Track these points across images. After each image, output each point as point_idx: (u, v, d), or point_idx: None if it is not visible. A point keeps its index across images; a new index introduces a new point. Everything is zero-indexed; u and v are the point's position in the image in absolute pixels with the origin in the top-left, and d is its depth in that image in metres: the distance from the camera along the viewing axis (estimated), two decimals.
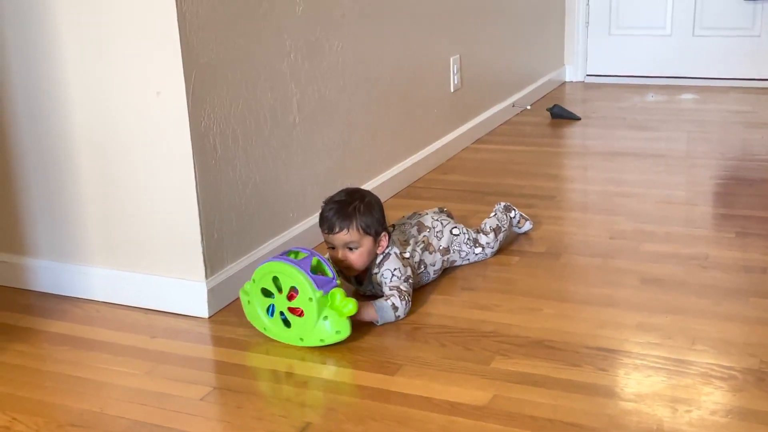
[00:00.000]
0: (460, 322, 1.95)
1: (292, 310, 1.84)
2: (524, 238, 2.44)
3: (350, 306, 1.83)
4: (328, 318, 1.81)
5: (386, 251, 2.01)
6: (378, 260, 2.01)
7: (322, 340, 1.83)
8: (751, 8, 4.34)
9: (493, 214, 2.35)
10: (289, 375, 1.77)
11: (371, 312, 1.92)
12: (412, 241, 2.11)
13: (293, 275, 1.81)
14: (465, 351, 1.81)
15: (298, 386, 1.73)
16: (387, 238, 2.01)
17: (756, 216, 2.55)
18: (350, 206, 1.97)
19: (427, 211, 2.31)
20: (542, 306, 2.01)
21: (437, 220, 2.20)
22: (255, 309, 1.89)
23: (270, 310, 1.88)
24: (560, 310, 1.99)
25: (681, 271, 2.17)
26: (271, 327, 1.88)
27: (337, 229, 1.95)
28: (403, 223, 2.20)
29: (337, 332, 1.83)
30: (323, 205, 2.01)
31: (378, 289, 2.01)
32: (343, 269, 2.00)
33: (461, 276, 2.20)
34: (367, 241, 1.97)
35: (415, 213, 2.29)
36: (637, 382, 1.66)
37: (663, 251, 2.30)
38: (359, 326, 1.89)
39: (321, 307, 1.81)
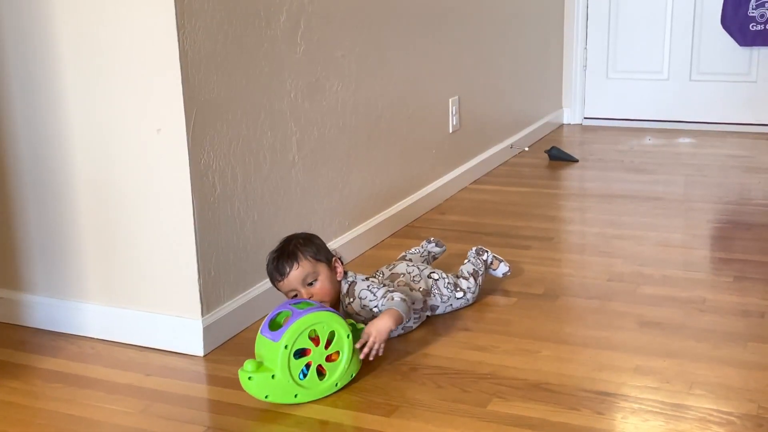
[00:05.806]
0: (456, 364, 1.94)
1: (328, 357, 1.79)
2: (521, 279, 2.43)
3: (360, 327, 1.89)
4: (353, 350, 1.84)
5: (349, 279, 2.03)
6: (344, 290, 2.02)
7: (351, 375, 1.84)
8: (748, 54, 4.37)
9: (467, 260, 2.31)
10: (285, 415, 1.75)
11: (388, 315, 1.89)
12: (388, 283, 2.09)
13: (330, 319, 1.78)
14: (462, 393, 1.80)
15: (294, 427, 1.71)
16: (340, 263, 2.03)
17: (754, 260, 2.55)
18: (289, 245, 1.97)
19: (405, 255, 2.36)
20: (540, 348, 2.00)
21: (413, 265, 2.20)
22: (282, 383, 1.73)
23: (303, 372, 1.77)
24: (558, 353, 1.98)
25: (679, 314, 2.16)
26: (305, 389, 1.77)
27: (288, 269, 1.93)
28: (381, 275, 2.18)
29: (359, 360, 1.86)
30: (267, 263, 1.99)
31: (358, 318, 2.00)
32: None
33: (458, 317, 2.19)
34: (323, 268, 1.97)
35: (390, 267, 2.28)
36: (635, 427, 1.65)
37: (661, 294, 2.30)
38: None
39: (353, 341, 1.83)
